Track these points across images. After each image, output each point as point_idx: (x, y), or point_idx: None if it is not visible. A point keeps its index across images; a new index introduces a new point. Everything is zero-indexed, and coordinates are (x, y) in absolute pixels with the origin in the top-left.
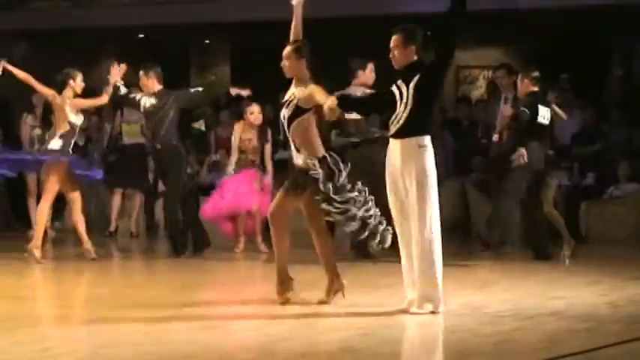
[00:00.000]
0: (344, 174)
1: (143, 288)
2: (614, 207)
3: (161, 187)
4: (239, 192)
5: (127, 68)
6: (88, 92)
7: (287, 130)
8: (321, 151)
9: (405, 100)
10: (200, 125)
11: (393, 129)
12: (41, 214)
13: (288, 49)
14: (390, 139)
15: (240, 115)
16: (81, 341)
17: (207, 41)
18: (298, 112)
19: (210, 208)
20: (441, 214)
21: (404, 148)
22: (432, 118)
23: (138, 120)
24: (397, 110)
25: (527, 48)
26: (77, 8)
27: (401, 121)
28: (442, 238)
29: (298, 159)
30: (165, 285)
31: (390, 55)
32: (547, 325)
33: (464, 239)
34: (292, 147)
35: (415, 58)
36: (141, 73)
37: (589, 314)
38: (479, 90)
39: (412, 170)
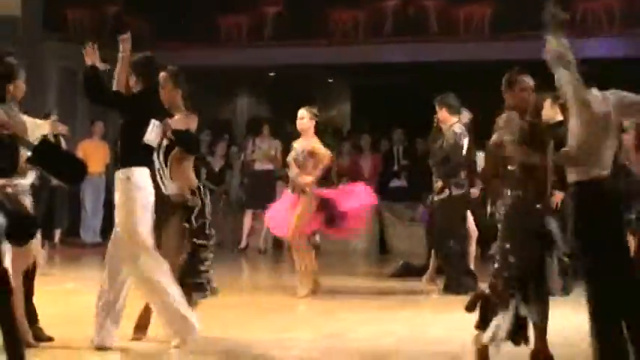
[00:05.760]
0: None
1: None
2: None
3: None
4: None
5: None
6: (221, 123)
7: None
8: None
9: None
10: None
11: None
12: None
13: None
14: None
15: (359, 148)
16: None
17: (330, 80)
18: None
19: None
20: None
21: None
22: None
23: (268, 148)
24: None
25: None
26: (215, 48)
27: None
28: None
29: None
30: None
31: None
32: None
33: None
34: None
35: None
36: None
37: None
38: None
39: None
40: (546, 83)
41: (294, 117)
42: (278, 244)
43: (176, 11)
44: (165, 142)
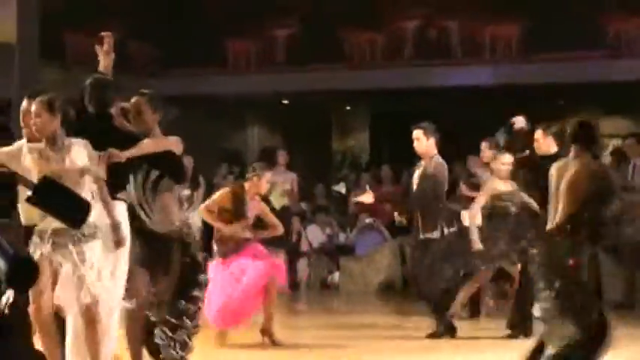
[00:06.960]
0: None
1: None
2: None
3: (303, 246)
4: None
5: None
6: (231, 155)
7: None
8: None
9: None
10: (341, 188)
11: None
12: None
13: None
14: None
15: (379, 180)
16: None
17: (347, 107)
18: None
19: None
20: None
21: None
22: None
23: (283, 181)
24: None
25: None
26: (223, 75)
27: None
28: None
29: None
30: None
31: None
32: None
33: None
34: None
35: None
36: None
37: None
38: (607, 158)
39: None
40: (578, 107)
41: (309, 148)
42: (292, 282)
43: (181, 36)
44: (155, 174)
